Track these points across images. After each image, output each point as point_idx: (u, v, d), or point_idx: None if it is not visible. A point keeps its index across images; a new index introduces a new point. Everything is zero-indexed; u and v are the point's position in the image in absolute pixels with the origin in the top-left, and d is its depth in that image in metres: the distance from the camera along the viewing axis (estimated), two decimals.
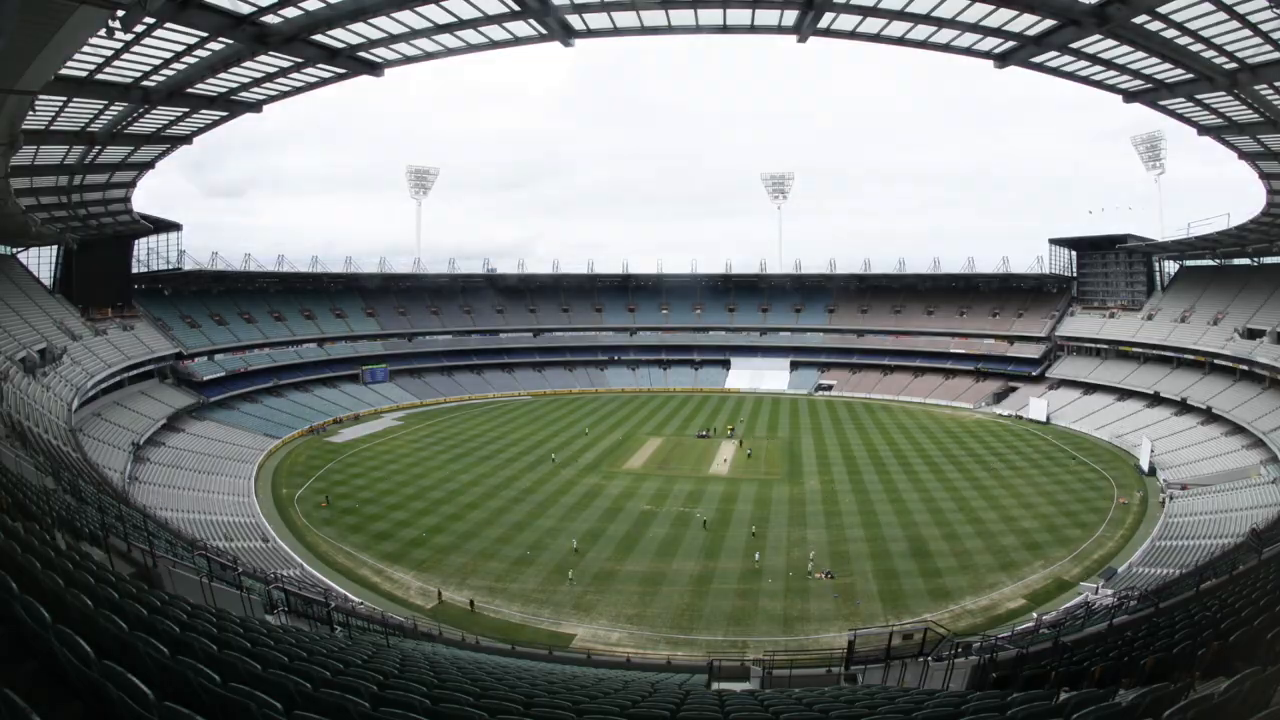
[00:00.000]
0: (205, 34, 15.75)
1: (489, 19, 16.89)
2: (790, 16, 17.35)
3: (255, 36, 16.17)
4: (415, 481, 43.18)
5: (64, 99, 18.68)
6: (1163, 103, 21.84)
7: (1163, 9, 15.13)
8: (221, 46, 16.97)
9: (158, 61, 17.56)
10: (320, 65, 19.09)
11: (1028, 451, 50.93)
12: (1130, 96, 21.41)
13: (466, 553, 31.59)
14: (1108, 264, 73.58)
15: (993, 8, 16.07)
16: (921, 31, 18.06)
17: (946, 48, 19.06)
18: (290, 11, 15.47)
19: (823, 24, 17.58)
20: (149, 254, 61.82)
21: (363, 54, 18.75)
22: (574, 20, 17.42)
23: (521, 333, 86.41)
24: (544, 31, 17.78)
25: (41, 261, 52.03)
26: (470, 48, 18.93)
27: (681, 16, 17.56)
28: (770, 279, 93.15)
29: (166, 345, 57.02)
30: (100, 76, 17.83)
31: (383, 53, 18.88)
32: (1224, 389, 51.65)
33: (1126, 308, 69.30)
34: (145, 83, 19.00)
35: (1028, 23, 16.68)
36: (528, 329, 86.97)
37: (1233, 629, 8.35)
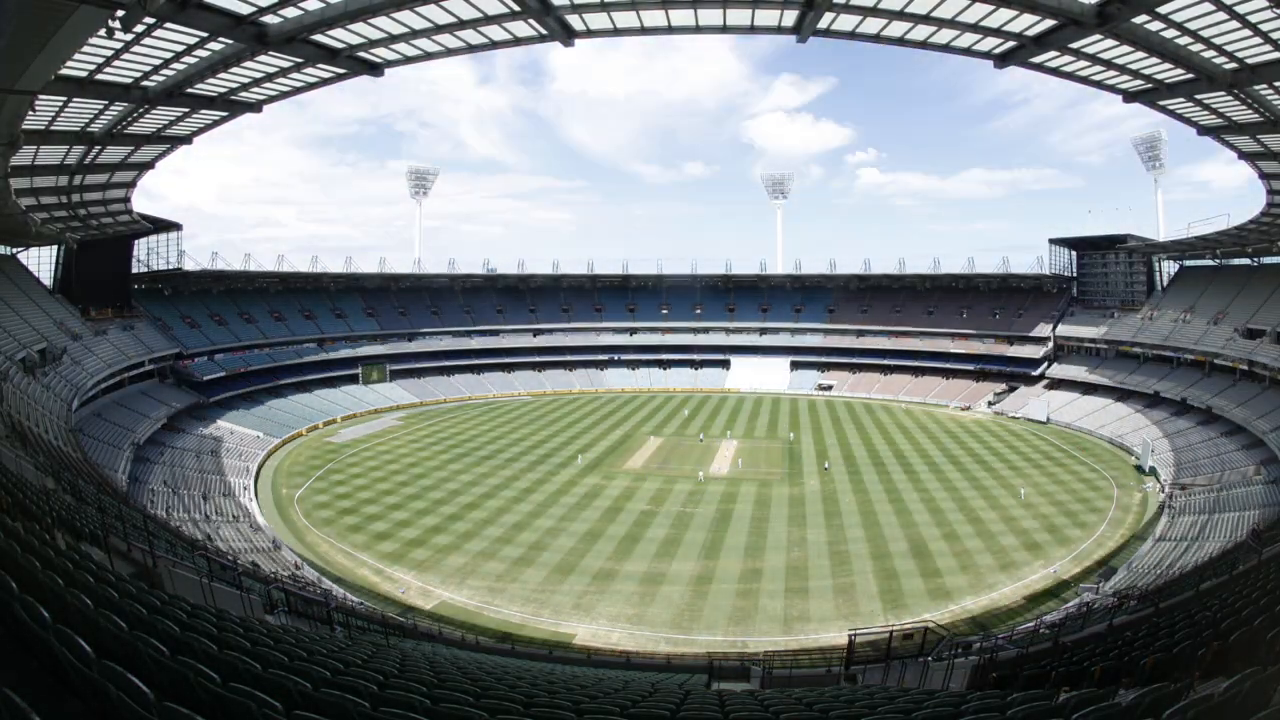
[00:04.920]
0: (205, 34, 15.76)
1: (489, 19, 16.91)
2: (790, 16, 17.36)
3: (255, 36, 16.18)
4: (415, 481, 43.18)
5: (64, 99, 18.68)
6: (1162, 103, 21.84)
7: (1162, 9, 15.15)
8: (221, 46, 16.98)
9: (158, 61, 17.57)
10: (320, 65, 19.10)
11: (1027, 451, 50.92)
12: (1130, 96, 21.43)
13: (466, 553, 31.59)
14: (1108, 264, 73.59)
15: (993, 8, 16.08)
16: (921, 31, 18.07)
17: (946, 48, 19.07)
18: (290, 11, 15.49)
19: (822, 24, 17.60)
20: (149, 254, 61.80)
21: (363, 54, 18.77)
22: (574, 20, 17.44)
23: (521, 333, 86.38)
24: (544, 32, 17.79)
25: (41, 261, 52.04)
26: (470, 48, 18.95)
27: (681, 16, 17.58)
28: (770, 279, 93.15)
29: (166, 345, 57.00)
30: (100, 76, 17.84)
31: (383, 53, 18.90)
32: (1224, 389, 51.64)
33: (1126, 308, 69.31)
34: (145, 83, 19.01)
35: (1028, 23, 16.69)
36: (528, 329, 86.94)
37: (1233, 629, 8.35)
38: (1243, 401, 48.14)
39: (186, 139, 26.36)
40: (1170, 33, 16.50)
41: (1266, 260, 58.52)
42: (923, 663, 16.29)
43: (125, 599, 6.56)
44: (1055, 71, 19.82)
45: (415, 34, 17.57)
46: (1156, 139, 77.39)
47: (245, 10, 15.08)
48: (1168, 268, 69.59)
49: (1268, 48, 16.66)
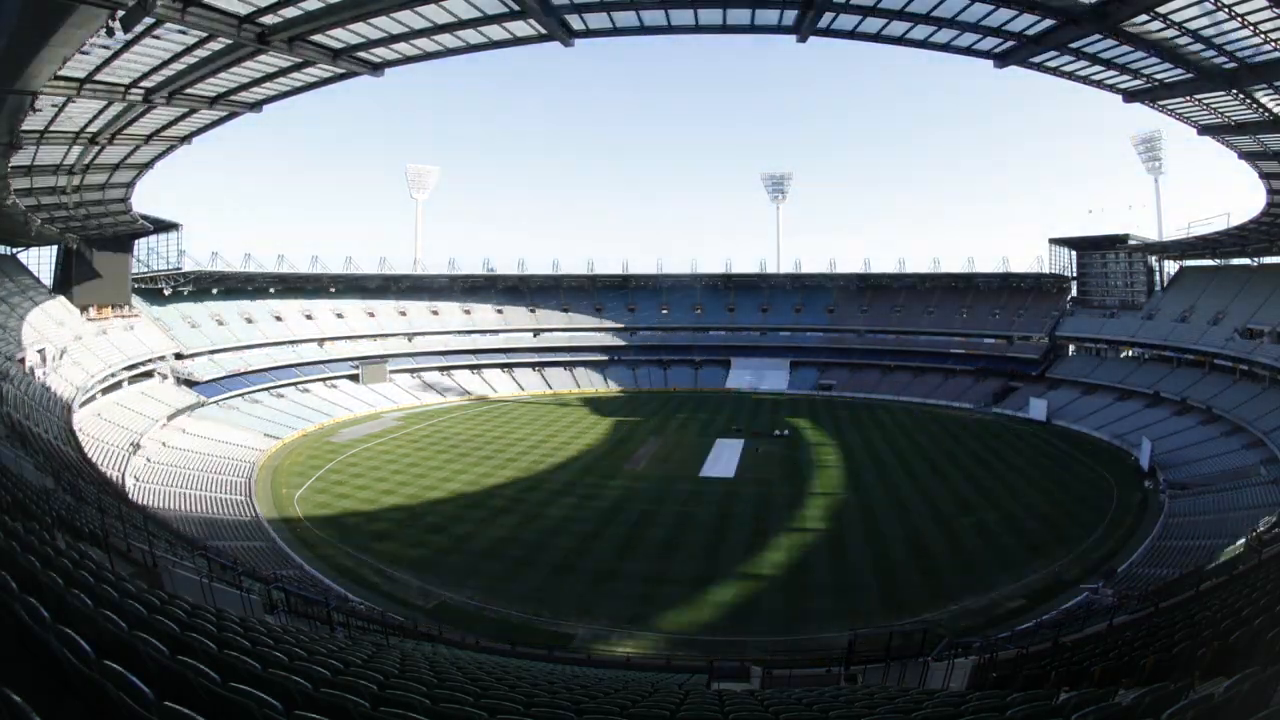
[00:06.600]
0: (205, 34, 15.75)
1: (489, 19, 16.91)
2: (790, 16, 17.36)
3: (255, 36, 16.17)
4: (416, 482, 43.17)
5: (64, 99, 18.68)
6: (1162, 102, 21.85)
7: (1162, 9, 15.14)
8: (221, 46, 16.98)
9: (157, 61, 17.57)
10: (320, 65, 19.10)
11: (1028, 451, 50.92)
12: (1130, 96, 21.42)
13: (466, 553, 31.59)
14: (1108, 264, 73.58)
15: (992, 8, 16.08)
16: (921, 31, 18.07)
17: (946, 47, 19.07)
18: (290, 11, 15.48)
19: (822, 24, 17.59)
20: (149, 254, 61.83)
21: (363, 54, 18.77)
22: (573, 20, 17.44)
23: (521, 333, 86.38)
24: (544, 31, 17.79)
25: (41, 261, 52.06)
26: (470, 47, 18.96)
27: (681, 16, 17.58)
28: (770, 279, 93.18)
29: (166, 345, 57.00)
30: (100, 76, 17.83)
31: (383, 52, 18.90)
32: (1224, 389, 51.65)
33: (1126, 307, 69.30)
34: (145, 83, 19.01)
35: (1027, 22, 16.69)
36: (528, 329, 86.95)
37: (1233, 629, 8.35)
38: (1243, 401, 48.14)
39: (186, 139, 26.38)
40: (1170, 32, 16.49)
41: (1266, 260, 58.51)
42: (923, 663, 16.31)
43: (125, 599, 6.56)
44: (1055, 71, 19.83)
45: (415, 34, 17.56)
46: (1156, 138, 77.45)
47: (245, 10, 15.08)
48: (1168, 267, 69.60)
49: (1268, 47, 16.66)
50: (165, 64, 17.81)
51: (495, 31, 17.85)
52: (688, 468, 46.42)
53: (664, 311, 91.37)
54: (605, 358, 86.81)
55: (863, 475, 44.21)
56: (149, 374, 53.15)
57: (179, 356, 57.77)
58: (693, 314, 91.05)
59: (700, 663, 20.21)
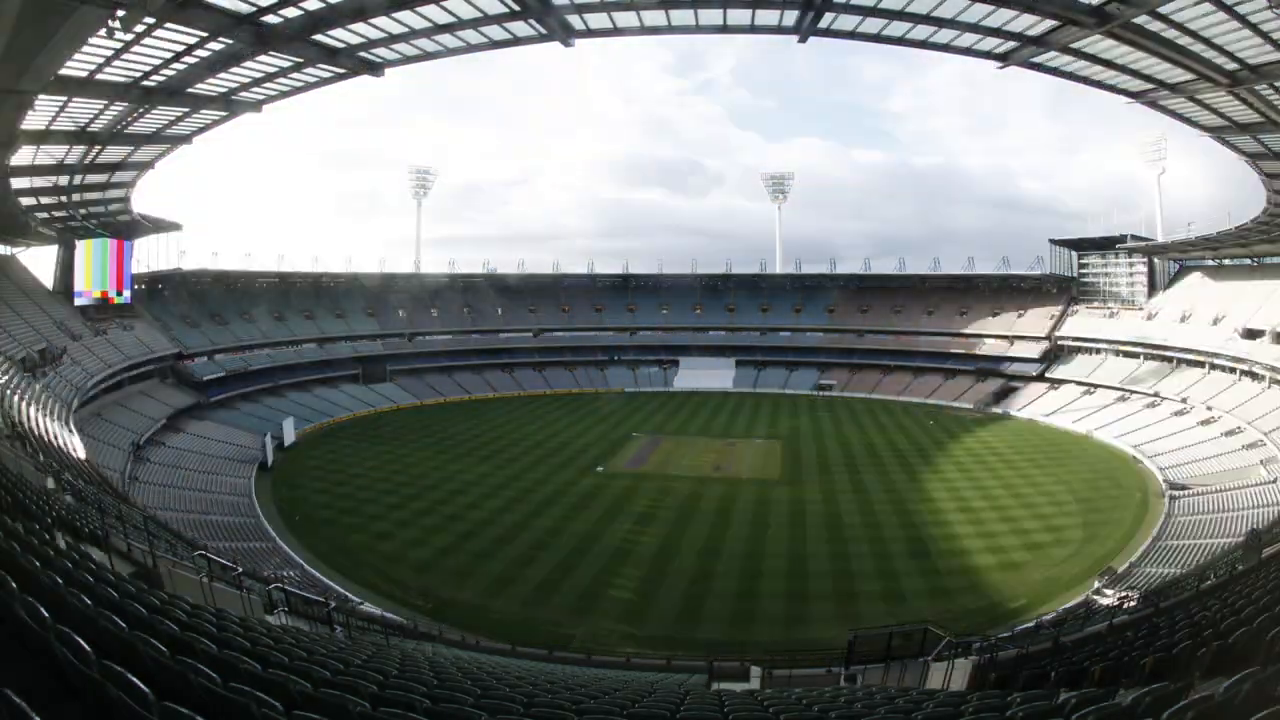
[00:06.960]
0: (205, 34, 15.76)
1: (489, 19, 16.92)
2: (790, 16, 17.38)
3: (255, 36, 16.18)
4: (415, 482, 43.17)
5: (64, 99, 18.69)
6: (1163, 103, 21.85)
7: (1163, 9, 15.14)
8: (221, 46, 16.98)
9: (158, 61, 17.58)
10: (320, 65, 19.12)
11: (1028, 451, 50.91)
12: (1131, 96, 21.43)
13: (466, 553, 31.59)
14: (1108, 264, 73.55)
15: (993, 8, 16.08)
16: (922, 31, 18.08)
17: (947, 47, 19.09)
18: (290, 11, 15.48)
19: (823, 24, 17.61)
20: (149, 254, 61.87)
21: (363, 54, 18.78)
22: (574, 20, 17.44)
23: (521, 333, 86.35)
24: (544, 31, 17.81)
25: (42, 262, 52.11)
26: (470, 47, 18.97)
27: (681, 16, 17.60)
28: (770, 279, 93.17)
29: (166, 345, 56.98)
30: (100, 76, 17.84)
31: (383, 53, 18.91)
32: (1224, 389, 51.63)
33: (1126, 308, 69.29)
34: (145, 83, 19.01)
35: (1028, 23, 16.69)
36: (528, 329, 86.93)
37: (1233, 629, 8.34)
38: (1243, 401, 48.13)
39: (186, 139, 26.40)
40: (1171, 33, 16.49)
41: (1267, 260, 58.51)
42: (923, 663, 16.29)
43: (125, 599, 6.56)
44: (1056, 71, 19.84)
45: (415, 34, 17.58)
46: (1157, 138, 77.32)
47: (245, 10, 15.07)
48: (1168, 267, 69.57)
49: (1268, 48, 16.66)
50: (166, 64, 17.81)
51: (495, 31, 17.87)
52: (688, 467, 46.42)
53: (664, 312, 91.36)
54: (605, 358, 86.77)
55: (863, 475, 44.20)
56: (149, 374, 53.15)
57: (179, 356, 57.76)
58: (692, 314, 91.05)
59: (700, 663, 20.20)
